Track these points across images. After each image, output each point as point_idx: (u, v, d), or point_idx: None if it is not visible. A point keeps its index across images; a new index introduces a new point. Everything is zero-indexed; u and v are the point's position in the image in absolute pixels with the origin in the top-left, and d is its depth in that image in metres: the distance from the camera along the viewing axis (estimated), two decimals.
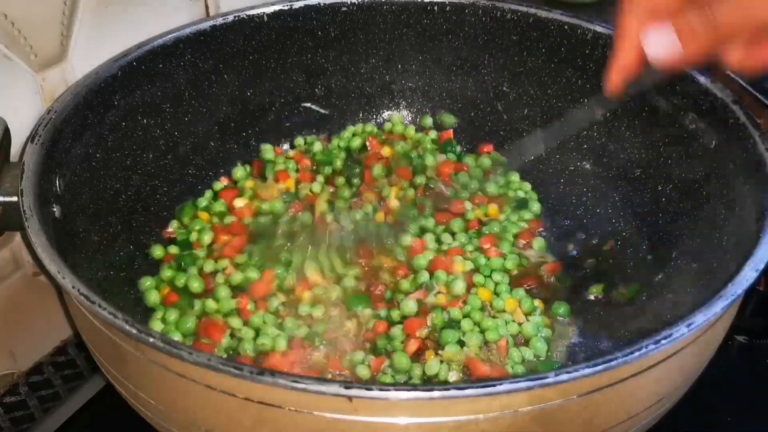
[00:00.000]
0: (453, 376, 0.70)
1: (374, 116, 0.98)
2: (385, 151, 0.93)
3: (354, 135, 0.95)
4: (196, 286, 0.77)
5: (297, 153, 0.94)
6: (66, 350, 0.86)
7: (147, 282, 0.77)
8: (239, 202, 0.87)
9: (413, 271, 0.80)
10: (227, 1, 0.93)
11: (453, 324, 0.74)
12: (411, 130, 0.96)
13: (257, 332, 0.73)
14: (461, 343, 0.72)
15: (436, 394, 0.48)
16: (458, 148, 0.95)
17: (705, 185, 0.75)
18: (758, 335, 0.86)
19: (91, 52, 0.79)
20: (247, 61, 0.89)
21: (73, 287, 0.55)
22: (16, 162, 0.66)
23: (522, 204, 0.89)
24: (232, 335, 0.73)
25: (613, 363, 0.50)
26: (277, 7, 0.88)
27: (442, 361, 0.71)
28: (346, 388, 0.48)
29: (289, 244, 0.82)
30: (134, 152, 0.81)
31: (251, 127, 0.93)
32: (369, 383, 0.64)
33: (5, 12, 0.71)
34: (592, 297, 0.80)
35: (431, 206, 0.87)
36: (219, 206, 0.87)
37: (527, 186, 0.91)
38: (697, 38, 0.54)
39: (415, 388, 0.48)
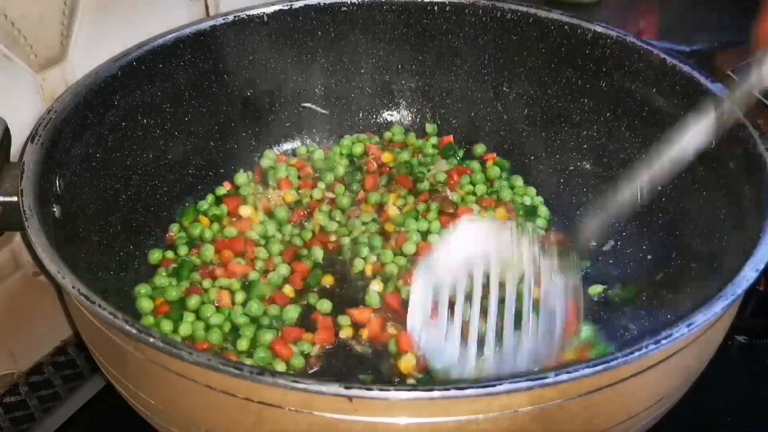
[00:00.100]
0: None
1: (374, 117, 0.98)
2: (386, 157, 0.93)
3: (354, 143, 0.95)
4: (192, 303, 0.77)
5: (298, 160, 0.94)
6: (66, 350, 0.86)
7: (142, 290, 0.77)
8: (245, 211, 0.87)
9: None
10: (227, 1, 0.93)
11: None
12: (412, 137, 0.96)
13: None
14: None
15: (436, 394, 0.48)
16: (461, 152, 0.95)
17: (705, 185, 0.75)
18: (758, 335, 0.86)
19: (91, 52, 0.79)
20: (247, 61, 0.89)
21: (73, 287, 0.55)
22: (16, 162, 0.66)
23: (531, 211, 0.88)
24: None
25: (613, 363, 0.50)
26: (277, 7, 0.88)
27: None
28: (346, 388, 0.48)
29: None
30: (134, 152, 0.81)
31: (251, 128, 0.93)
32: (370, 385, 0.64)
33: (5, 12, 0.71)
34: (593, 297, 0.80)
35: (436, 210, 0.87)
36: (220, 211, 0.87)
37: (532, 191, 0.91)
38: None
39: (415, 388, 0.48)
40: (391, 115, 0.98)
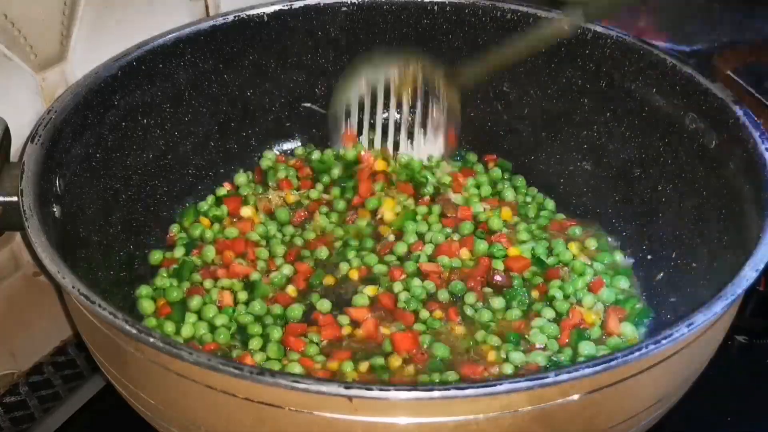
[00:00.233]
0: None
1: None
2: (379, 164, 0.92)
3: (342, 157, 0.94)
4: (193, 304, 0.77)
5: (297, 161, 0.94)
6: (66, 350, 0.87)
7: (143, 291, 0.77)
8: (246, 212, 0.87)
9: None
10: (227, 1, 0.93)
11: None
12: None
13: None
14: None
15: (436, 394, 0.48)
16: (473, 156, 0.95)
17: (705, 185, 0.75)
18: (758, 335, 0.85)
19: (91, 52, 0.79)
20: (247, 61, 0.89)
21: (73, 287, 0.55)
22: (16, 162, 0.66)
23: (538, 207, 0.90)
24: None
25: (613, 363, 0.50)
26: (277, 7, 0.88)
27: None
28: (346, 388, 0.48)
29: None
30: (134, 152, 0.81)
31: (251, 127, 0.93)
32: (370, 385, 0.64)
33: (5, 12, 0.71)
34: None
35: (437, 213, 0.87)
36: (221, 212, 0.87)
37: (534, 191, 0.91)
38: None
39: (415, 388, 0.48)
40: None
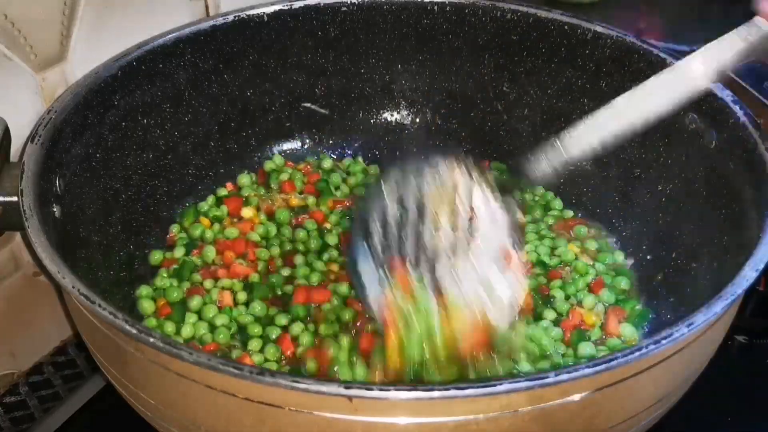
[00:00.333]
0: None
1: (374, 117, 0.98)
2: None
3: (353, 173, 0.94)
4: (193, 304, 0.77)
5: (305, 165, 0.93)
6: (66, 350, 0.87)
7: (143, 291, 0.77)
8: (247, 213, 0.86)
9: None
10: (227, 1, 0.93)
11: None
12: None
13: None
14: None
15: (436, 394, 0.48)
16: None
17: (705, 185, 0.75)
18: (758, 335, 0.85)
19: (91, 52, 0.79)
20: (247, 61, 0.89)
21: (73, 287, 0.55)
22: (16, 162, 0.66)
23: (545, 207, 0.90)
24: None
25: (613, 363, 0.50)
26: (277, 7, 0.88)
27: None
28: (346, 388, 0.48)
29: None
30: (134, 152, 0.81)
31: (251, 127, 0.93)
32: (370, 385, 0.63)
33: (5, 12, 0.71)
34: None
35: None
36: (221, 212, 0.86)
37: (540, 189, 0.91)
38: None
39: (415, 388, 0.48)
40: (391, 115, 0.98)
